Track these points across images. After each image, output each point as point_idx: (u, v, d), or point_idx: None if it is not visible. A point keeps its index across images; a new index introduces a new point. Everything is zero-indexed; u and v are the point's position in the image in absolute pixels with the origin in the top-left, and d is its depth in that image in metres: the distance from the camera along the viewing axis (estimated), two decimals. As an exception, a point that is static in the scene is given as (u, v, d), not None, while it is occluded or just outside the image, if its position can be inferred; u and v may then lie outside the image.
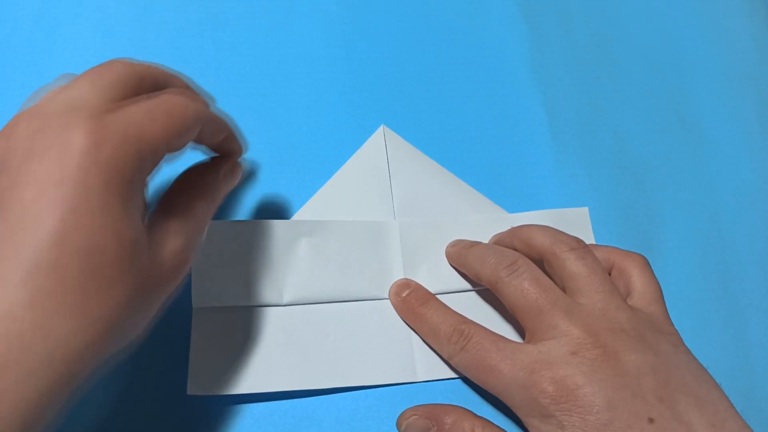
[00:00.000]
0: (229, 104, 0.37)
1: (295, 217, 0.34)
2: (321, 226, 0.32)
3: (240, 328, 0.30)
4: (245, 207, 0.34)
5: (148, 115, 0.21)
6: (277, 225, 0.32)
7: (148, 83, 0.23)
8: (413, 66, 0.40)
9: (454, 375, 0.30)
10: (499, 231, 0.33)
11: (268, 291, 0.31)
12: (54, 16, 0.39)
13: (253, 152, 0.36)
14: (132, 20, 0.39)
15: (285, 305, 0.31)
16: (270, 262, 0.31)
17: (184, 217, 0.23)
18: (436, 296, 0.31)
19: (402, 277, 0.32)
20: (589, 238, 0.35)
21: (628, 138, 0.38)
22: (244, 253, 0.31)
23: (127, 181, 0.20)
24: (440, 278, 0.32)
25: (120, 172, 0.19)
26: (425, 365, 0.30)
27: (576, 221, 0.35)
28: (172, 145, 0.22)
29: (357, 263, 0.32)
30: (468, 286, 0.32)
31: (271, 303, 0.31)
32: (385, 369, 0.30)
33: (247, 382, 0.29)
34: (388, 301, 0.32)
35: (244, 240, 0.31)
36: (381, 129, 0.36)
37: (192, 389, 0.28)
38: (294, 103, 0.38)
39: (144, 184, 0.21)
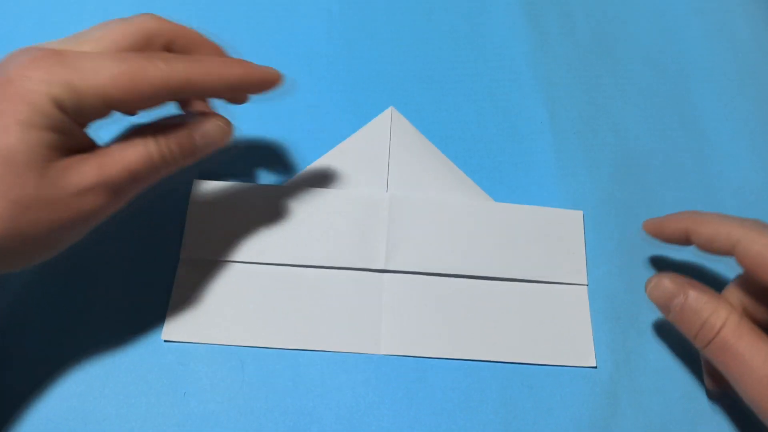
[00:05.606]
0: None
1: (290, 182, 0.35)
2: (311, 194, 0.33)
3: (220, 282, 0.32)
4: (246, 204, 0.34)
5: (101, 63, 0.23)
6: (269, 189, 0.34)
7: (162, 41, 0.26)
8: (415, 65, 0.40)
9: (416, 353, 0.31)
10: (489, 219, 0.34)
11: (252, 250, 0.32)
12: (55, 15, 0.39)
13: (255, 151, 0.36)
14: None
15: (265, 264, 0.32)
16: (258, 224, 0.33)
17: (101, 160, 0.24)
18: (417, 275, 0.32)
19: (383, 247, 0.32)
20: (579, 243, 0.34)
21: (629, 137, 0.38)
22: (234, 213, 0.32)
23: (35, 109, 0.22)
24: (422, 255, 0.33)
25: (28, 98, 0.22)
26: (390, 340, 0.31)
27: (568, 223, 0.35)
28: (112, 99, 0.23)
29: (341, 232, 0.33)
30: (448, 268, 0.32)
31: (253, 261, 0.32)
32: (350, 338, 0.31)
33: (219, 334, 0.31)
34: (365, 272, 0.32)
35: (236, 200, 0.33)
36: (389, 110, 0.37)
37: (167, 334, 0.30)
38: (296, 101, 0.38)
39: (61, 121, 0.22)
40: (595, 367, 0.31)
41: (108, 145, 0.25)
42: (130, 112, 0.26)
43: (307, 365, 0.30)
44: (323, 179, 0.35)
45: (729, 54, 0.42)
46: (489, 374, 0.31)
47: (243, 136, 0.36)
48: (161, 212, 0.33)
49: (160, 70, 0.24)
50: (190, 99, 0.29)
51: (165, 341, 0.30)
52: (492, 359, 0.31)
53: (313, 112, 0.37)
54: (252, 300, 0.31)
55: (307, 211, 0.33)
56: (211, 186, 0.34)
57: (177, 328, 0.30)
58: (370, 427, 0.29)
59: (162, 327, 0.31)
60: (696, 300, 0.26)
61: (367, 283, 0.32)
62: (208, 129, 0.26)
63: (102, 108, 0.23)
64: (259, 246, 0.32)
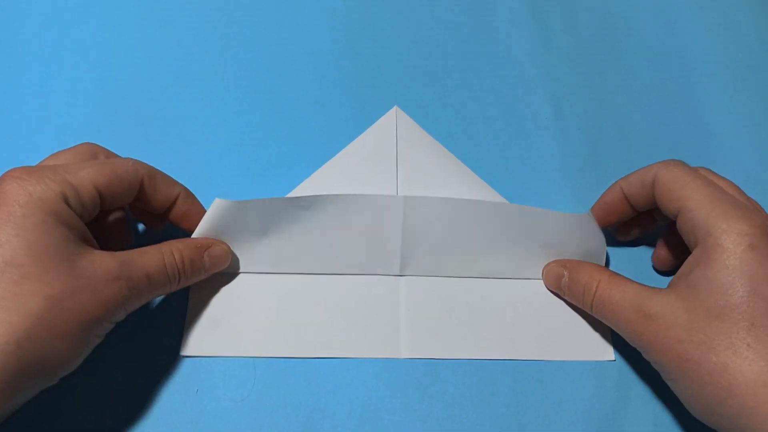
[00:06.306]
0: (237, 101, 0.37)
1: (299, 187, 0.34)
2: (320, 200, 0.31)
3: (235, 294, 0.31)
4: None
5: (81, 165, 0.26)
6: (278, 201, 0.31)
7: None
8: (419, 62, 0.40)
9: (438, 355, 0.31)
10: (507, 219, 0.32)
11: (264, 261, 0.32)
12: (62, 14, 0.39)
13: (260, 149, 0.36)
14: (139, 18, 0.40)
15: (280, 273, 0.32)
16: (268, 237, 0.31)
17: (123, 258, 0.25)
18: (432, 278, 0.32)
19: (398, 252, 0.32)
20: (600, 242, 0.32)
21: (633, 132, 0.39)
22: (245, 228, 0.31)
23: (50, 208, 0.24)
24: (438, 259, 0.32)
25: (41, 200, 0.24)
26: (410, 343, 0.31)
27: (585, 227, 0.32)
28: (100, 186, 0.26)
29: (353, 237, 0.32)
30: (464, 272, 0.32)
31: (266, 271, 0.32)
32: (371, 343, 0.31)
33: (238, 347, 0.30)
34: (380, 277, 0.32)
35: (245, 216, 0.31)
36: (394, 110, 0.37)
37: (186, 350, 0.30)
38: (301, 99, 0.38)
39: (72, 216, 0.24)
40: (614, 361, 0.31)
41: (127, 252, 0.26)
42: (114, 204, 0.27)
43: (319, 362, 0.30)
44: (332, 185, 0.34)
45: (732, 48, 0.42)
46: (500, 368, 0.31)
47: (250, 138, 0.36)
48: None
49: (131, 161, 0.28)
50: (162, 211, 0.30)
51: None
52: (513, 358, 0.31)
53: (317, 110, 0.38)
54: (268, 310, 0.31)
55: (317, 220, 0.31)
56: (216, 206, 0.31)
57: (195, 343, 0.30)
58: (383, 422, 0.29)
59: (176, 329, 0.30)
60: (575, 272, 0.31)
61: (384, 288, 0.32)
62: (216, 250, 0.30)
63: (95, 197, 0.26)
64: (272, 256, 0.32)
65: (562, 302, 0.33)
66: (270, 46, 0.39)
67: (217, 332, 0.30)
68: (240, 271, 0.32)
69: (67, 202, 0.25)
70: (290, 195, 0.34)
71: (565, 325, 0.32)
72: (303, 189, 0.34)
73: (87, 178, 0.26)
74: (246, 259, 0.32)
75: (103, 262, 0.25)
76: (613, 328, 0.29)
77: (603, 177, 0.37)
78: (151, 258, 0.27)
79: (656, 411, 0.30)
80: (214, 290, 0.31)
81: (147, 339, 0.30)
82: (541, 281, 0.33)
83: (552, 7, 0.42)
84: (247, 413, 0.29)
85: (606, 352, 0.31)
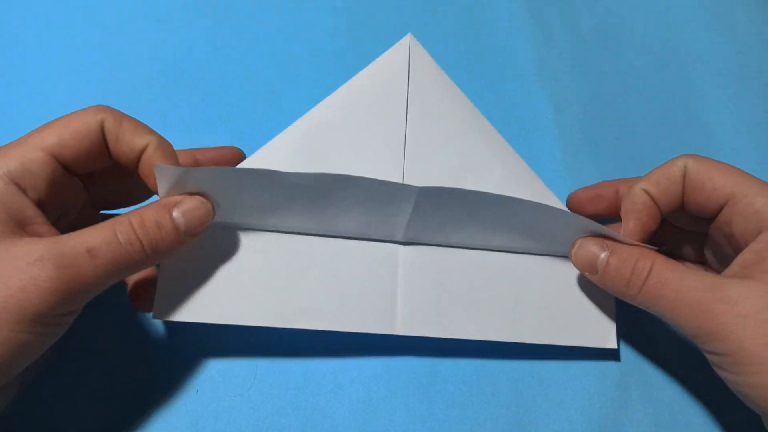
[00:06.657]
0: (237, 101, 0.37)
1: (299, 121, 0.30)
2: (321, 179, 0.26)
3: (216, 253, 0.28)
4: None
5: (34, 130, 0.23)
6: (272, 174, 0.26)
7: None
8: (419, 62, 0.40)
9: (434, 334, 0.29)
10: (518, 212, 0.28)
11: (250, 215, 0.28)
12: (63, 15, 0.39)
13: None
14: (139, 17, 0.40)
15: (267, 231, 0.28)
16: (256, 198, 0.27)
17: (59, 237, 0.22)
18: (435, 247, 0.30)
19: (404, 229, 0.29)
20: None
21: (634, 131, 0.39)
22: (224, 190, 0.26)
23: None
24: (445, 232, 0.30)
25: None
26: (406, 320, 0.29)
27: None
28: (51, 147, 0.23)
29: (353, 204, 0.28)
30: (468, 244, 0.30)
31: (252, 227, 0.28)
32: (364, 317, 0.28)
33: (217, 312, 0.27)
34: (380, 244, 0.30)
35: (224, 182, 0.26)
36: (407, 38, 0.33)
37: (157, 314, 0.27)
38: (302, 98, 0.38)
39: (9, 194, 0.22)
40: (616, 349, 0.31)
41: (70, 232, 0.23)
42: (84, 165, 0.24)
43: (319, 362, 0.30)
44: (334, 125, 0.30)
45: (732, 47, 0.42)
46: (500, 368, 0.31)
47: (250, 138, 0.36)
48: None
49: (93, 107, 0.24)
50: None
51: (167, 322, 0.29)
52: (512, 340, 0.30)
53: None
54: (252, 273, 0.28)
55: (315, 195, 0.27)
56: (200, 171, 0.25)
57: (168, 306, 0.27)
58: (383, 422, 0.29)
59: (177, 328, 0.30)
60: (622, 249, 0.26)
61: (382, 256, 0.29)
62: (188, 203, 0.25)
63: (47, 162, 0.23)
64: (258, 212, 0.28)
65: (567, 285, 0.31)
66: (270, 45, 0.39)
67: (193, 295, 0.27)
68: (220, 221, 0.27)
69: (11, 177, 0.22)
70: (289, 129, 0.30)
71: (569, 309, 0.30)
72: (304, 123, 0.30)
73: (33, 143, 0.23)
74: (230, 214, 0.27)
75: (26, 245, 0.21)
76: (666, 314, 0.25)
77: (603, 177, 0.37)
78: (96, 230, 0.22)
79: (657, 411, 0.30)
80: (193, 247, 0.27)
81: (147, 338, 0.30)
82: (549, 258, 0.31)
83: (552, 7, 0.42)
84: (247, 413, 0.29)
85: (609, 339, 0.30)
